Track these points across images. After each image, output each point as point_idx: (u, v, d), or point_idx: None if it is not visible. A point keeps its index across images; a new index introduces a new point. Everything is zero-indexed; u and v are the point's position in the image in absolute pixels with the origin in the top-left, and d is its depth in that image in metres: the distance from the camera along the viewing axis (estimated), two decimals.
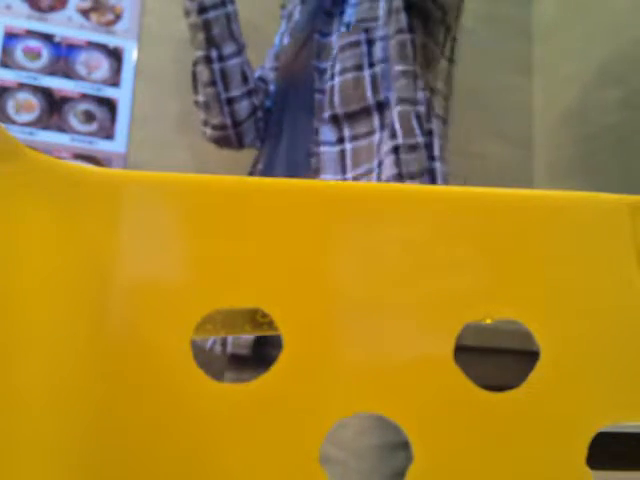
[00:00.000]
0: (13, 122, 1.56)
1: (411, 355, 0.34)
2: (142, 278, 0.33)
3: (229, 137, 1.18)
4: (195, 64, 1.14)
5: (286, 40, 1.22)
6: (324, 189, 0.36)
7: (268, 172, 1.13)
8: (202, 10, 1.08)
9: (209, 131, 1.19)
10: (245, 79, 1.15)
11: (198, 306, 0.33)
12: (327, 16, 1.12)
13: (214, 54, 1.11)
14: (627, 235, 0.36)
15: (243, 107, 1.15)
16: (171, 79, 1.42)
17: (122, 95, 1.64)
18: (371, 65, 1.04)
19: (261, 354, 1.04)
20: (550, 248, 0.36)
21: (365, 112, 1.03)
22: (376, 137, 1.02)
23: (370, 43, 1.05)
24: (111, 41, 1.66)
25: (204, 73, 1.12)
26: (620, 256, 0.36)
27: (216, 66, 1.11)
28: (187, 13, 1.11)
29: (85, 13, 1.65)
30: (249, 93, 1.15)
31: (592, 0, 1.74)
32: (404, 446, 0.88)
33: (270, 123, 1.18)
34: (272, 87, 1.21)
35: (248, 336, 1.03)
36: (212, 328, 0.50)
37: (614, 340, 0.35)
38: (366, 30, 1.06)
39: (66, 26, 1.63)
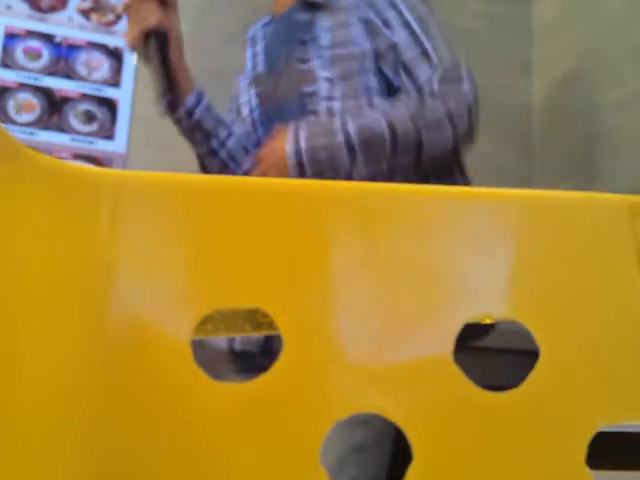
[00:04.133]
0: (13, 122, 1.56)
1: (411, 355, 0.34)
2: (142, 278, 0.33)
3: None
4: (201, 158, 1.22)
5: (260, 67, 1.28)
6: (325, 189, 0.36)
7: None
8: (191, 114, 1.16)
9: None
10: (247, 150, 1.23)
11: (198, 306, 0.33)
12: (302, 44, 1.19)
13: (215, 144, 1.19)
14: (627, 235, 0.36)
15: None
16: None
17: (122, 95, 1.64)
18: (365, 73, 1.14)
19: (272, 349, 1.06)
20: (550, 248, 0.36)
21: None
22: None
23: (365, 57, 1.14)
24: (111, 41, 1.66)
25: (214, 164, 1.20)
26: (620, 256, 0.36)
27: (222, 153, 1.20)
28: (178, 122, 1.17)
29: (85, 13, 1.65)
30: None
31: (592, 0, 1.75)
32: (362, 423, 0.91)
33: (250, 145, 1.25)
34: (257, 113, 1.27)
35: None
36: (212, 328, 0.50)
37: (614, 340, 0.35)
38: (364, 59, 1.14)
39: (66, 26, 1.63)
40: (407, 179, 1.09)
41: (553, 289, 0.35)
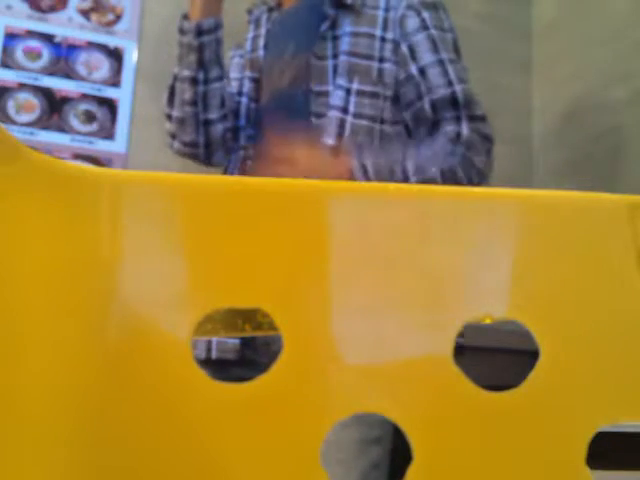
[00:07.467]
0: (13, 122, 1.56)
1: (411, 355, 0.34)
2: (142, 277, 0.33)
3: (198, 155, 1.23)
4: (176, 80, 1.17)
5: (261, 52, 1.24)
6: (325, 189, 0.36)
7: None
8: (199, 33, 1.12)
9: (177, 145, 1.23)
10: (222, 103, 1.19)
11: (198, 306, 0.33)
12: (322, 39, 1.15)
13: (200, 76, 1.14)
14: (626, 235, 0.36)
15: (217, 129, 1.19)
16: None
17: (122, 95, 1.64)
18: (382, 122, 1.10)
19: (246, 358, 1.06)
20: (550, 248, 0.36)
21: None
22: None
23: (386, 99, 1.10)
24: (111, 41, 1.66)
25: (187, 92, 1.15)
26: (619, 256, 0.36)
27: (200, 88, 1.15)
28: (182, 32, 1.14)
29: (85, 13, 1.65)
30: (224, 117, 1.20)
31: (592, 0, 1.75)
32: (377, 441, 0.95)
33: (240, 137, 1.22)
34: (245, 99, 1.23)
35: (234, 340, 1.06)
36: (212, 328, 0.50)
37: (614, 340, 0.35)
38: (383, 84, 1.10)
39: (66, 26, 1.63)
40: None
41: (553, 289, 0.35)
